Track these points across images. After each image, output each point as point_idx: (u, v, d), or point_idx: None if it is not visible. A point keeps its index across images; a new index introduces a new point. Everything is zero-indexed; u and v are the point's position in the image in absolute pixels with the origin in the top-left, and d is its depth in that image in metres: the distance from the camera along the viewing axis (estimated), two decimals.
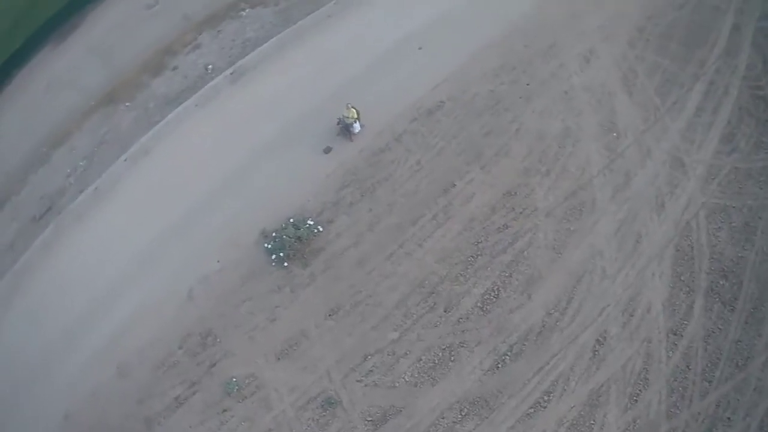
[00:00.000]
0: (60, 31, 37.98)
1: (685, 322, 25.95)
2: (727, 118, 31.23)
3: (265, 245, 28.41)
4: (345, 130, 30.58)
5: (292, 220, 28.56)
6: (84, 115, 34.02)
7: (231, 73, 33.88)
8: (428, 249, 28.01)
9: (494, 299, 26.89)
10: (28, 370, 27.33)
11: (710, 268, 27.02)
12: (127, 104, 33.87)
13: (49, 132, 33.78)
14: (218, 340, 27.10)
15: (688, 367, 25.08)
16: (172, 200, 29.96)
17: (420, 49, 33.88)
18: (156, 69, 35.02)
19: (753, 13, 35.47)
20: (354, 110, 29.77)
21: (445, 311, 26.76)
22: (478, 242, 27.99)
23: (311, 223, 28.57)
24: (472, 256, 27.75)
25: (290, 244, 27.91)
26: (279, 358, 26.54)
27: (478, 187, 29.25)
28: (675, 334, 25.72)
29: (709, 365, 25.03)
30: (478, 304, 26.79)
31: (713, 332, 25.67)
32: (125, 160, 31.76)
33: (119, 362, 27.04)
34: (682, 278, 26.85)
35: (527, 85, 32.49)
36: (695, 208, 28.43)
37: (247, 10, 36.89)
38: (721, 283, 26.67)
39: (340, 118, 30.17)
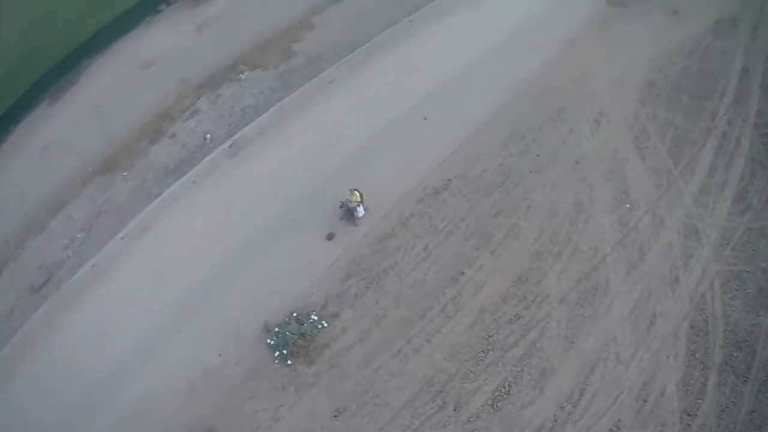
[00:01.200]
0: (56, 87, 37.53)
1: (699, 401, 25.15)
2: (739, 174, 30.78)
3: (268, 341, 27.45)
4: (348, 214, 29.64)
5: (295, 315, 27.66)
6: (81, 182, 33.29)
7: (230, 146, 33.06)
8: (437, 344, 27.01)
9: (505, 395, 25.94)
10: None
11: (725, 341, 26.31)
12: (124, 174, 33.14)
13: (46, 197, 33.06)
14: None
15: None
16: (171, 285, 28.99)
17: (425, 119, 33.07)
18: (154, 136, 34.31)
19: (761, 52, 35.35)
20: (357, 194, 28.93)
21: (454, 410, 25.78)
22: (488, 336, 27.00)
23: (315, 317, 27.63)
24: (482, 351, 26.78)
25: (294, 341, 27.05)
26: None
27: (488, 275, 28.28)
28: (689, 415, 24.93)
29: None
30: (489, 402, 25.84)
31: (727, 407, 24.94)
32: (122, 238, 30.86)
33: None
34: (697, 356, 26.07)
35: (537, 156, 31.68)
36: (710, 279, 27.73)
37: (246, 73, 36.30)
38: (735, 355, 25.97)
39: (343, 202, 29.30)
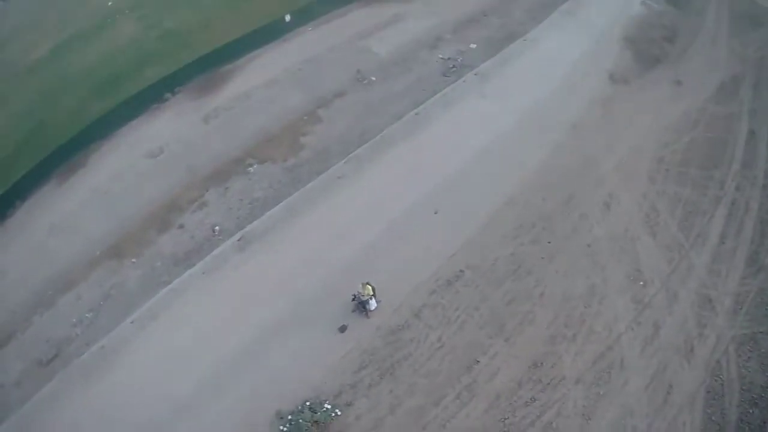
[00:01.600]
0: (63, 168, 38.85)
1: None
2: (750, 237, 31.63)
3: (281, 428, 27.15)
4: (361, 306, 29.79)
5: (308, 403, 27.48)
6: (89, 264, 33.80)
7: (239, 240, 33.42)
8: (452, 430, 26.65)
9: None
10: None
11: (741, 401, 26.57)
12: (133, 260, 33.59)
13: (54, 274, 33.62)
14: None
15: None
16: (181, 372, 28.89)
17: (436, 213, 33.57)
18: (162, 225, 34.85)
19: (767, 112, 36.45)
20: (370, 287, 29.18)
21: None
22: (504, 419, 26.74)
23: (329, 406, 27.43)
24: None
25: (307, 428, 26.81)
26: None
27: (502, 361, 28.23)
28: None
29: None
30: None
31: None
32: (132, 323, 30.91)
33: None
34: (713, 418, 26.19)
35: (549, 243, 32.08)
36: (724, 344, 28.11)
37: (255, 166, 37.10)
38: (750, 411, 26.25)
39: (355, 295, 29.51)
